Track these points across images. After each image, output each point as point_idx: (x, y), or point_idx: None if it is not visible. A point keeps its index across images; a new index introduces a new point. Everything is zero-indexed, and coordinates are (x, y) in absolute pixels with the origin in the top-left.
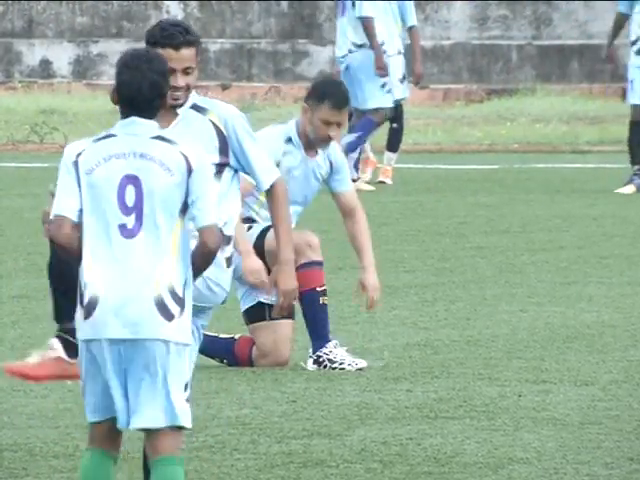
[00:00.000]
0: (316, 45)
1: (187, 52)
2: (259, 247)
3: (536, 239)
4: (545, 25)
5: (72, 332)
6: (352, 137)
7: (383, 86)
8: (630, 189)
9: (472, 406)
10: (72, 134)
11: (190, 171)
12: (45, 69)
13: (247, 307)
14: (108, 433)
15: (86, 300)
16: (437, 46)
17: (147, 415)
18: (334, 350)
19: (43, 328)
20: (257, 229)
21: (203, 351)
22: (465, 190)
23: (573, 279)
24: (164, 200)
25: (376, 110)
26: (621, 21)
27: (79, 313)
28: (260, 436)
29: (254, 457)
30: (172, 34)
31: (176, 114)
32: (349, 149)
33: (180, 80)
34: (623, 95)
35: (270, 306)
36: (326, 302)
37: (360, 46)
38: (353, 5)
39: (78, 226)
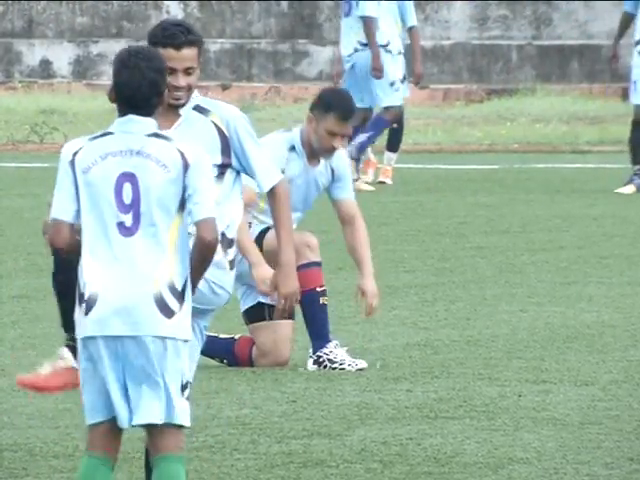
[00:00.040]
0: (316, 45)
1: (188, 52)
2: (258, 247)
3: (536, 239)
4: (545, 25)
5: None
6: (363, 137)
7: (392, 84)
8: (630, 189)
9: (472, 406)
10: (72, 134)
11: (186, 167)
12: (45, 69)
13: (247, 307)
14: (107, 435)
15: (85, 298)
16: (437, 46)
17: (146, 411)
18: (334, 350)
19: (43, 328)
20: (256, 229)
21: (203, 351)
22: (465, 190)
23: (573, 279)
24: (161, 197)
25: (387, 109)
26: (627, 21)
27: (78, 311)
28: (260, 436)
29: (254, 457)
30: (173, 34)
31: (178, 114)
32: (360, 149)
33: (181, 80)
34: (623, 95)
35: (270, 306)
36: (326, 302)
37: (366, 45)
38: (358, 5)
39: (76, 228)
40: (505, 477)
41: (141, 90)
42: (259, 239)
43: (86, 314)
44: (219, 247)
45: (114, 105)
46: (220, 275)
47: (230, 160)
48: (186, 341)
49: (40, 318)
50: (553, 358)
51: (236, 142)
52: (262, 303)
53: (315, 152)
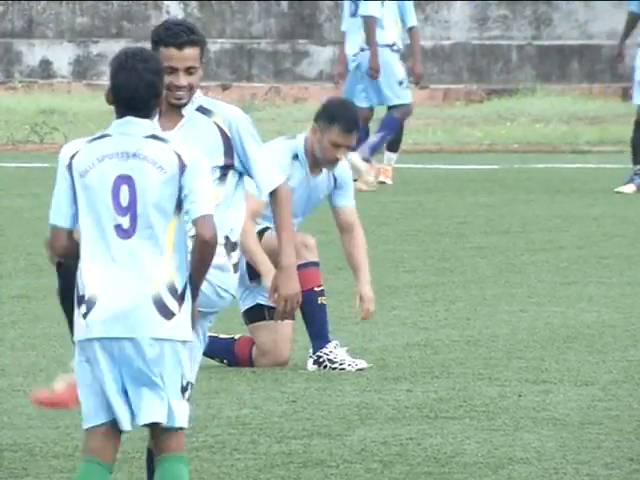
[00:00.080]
0: (316, 45)
1: (190, 52)
2: None
3: (536, 239)
4: (545, 25)
5: None
6: (376, 137)
7: (401, 83)
8: (630, 188)
9: (472, 406)
10: (72, 134)
11: (183, 168)
12: (45, 69)
13: (247, 308)
14: (103, 439)
15: (84, 301)
16: (437, 46)
17: (148, 411)
18: (334, 350)
19: (43, 328)
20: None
21: (203, 352)
22: (465, 190)
23: (573, 279)
24: (158, 199)
25: (397, 107)
26: (633, 20)
27: (77, 314)
28: (260, 436)
29: (254, 457)
30: (176, 33)
31: (181, 115)
32: (372, 149)
33: (182, 79)
34: (623, 95)
35: (270, 307)
36: (324, 302)
37: None
38: (359, 4)
39: (75, 233)
40: (505, 477)
41: (139, 92)
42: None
43: (84, 317)
44: (223, 250)
45: (110, 106)
46: (225, 278)
47: (232, 161)
48: (185, 342)
49: (40, 318)
50: (553, 358)
51: (238, 143)
52: (262, 304)
53: (318, 162)
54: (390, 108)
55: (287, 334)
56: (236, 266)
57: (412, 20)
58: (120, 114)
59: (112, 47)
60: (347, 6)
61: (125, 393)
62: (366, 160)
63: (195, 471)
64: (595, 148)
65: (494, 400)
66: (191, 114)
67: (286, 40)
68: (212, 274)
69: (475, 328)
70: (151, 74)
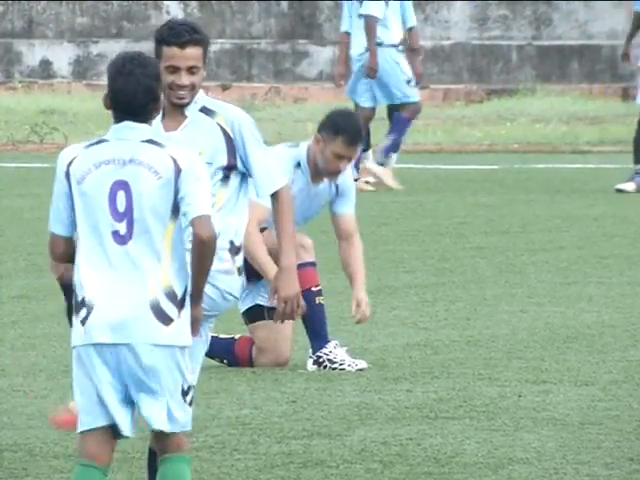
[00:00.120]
0: (316, 45)
1: (193, 51)
2: None
3: (536, 239)
4: (545, 25)
5: None
6: (389, 140)
7: (409, 82)
8: (630, 186)
9: (472, 406)
10: (72, 134)
11: (179, 172)
12: (45, 69)
13: (246, 308)
14: (100, 443)
15: (81, 307)
16: (437, 46)
17: (150, 419)
18: (334, 350)
19: (43, 328)
20: None
21: None
22: (465, 190)
23: (573, 279)
24: (154, 204)
25: (405, 106)
26: (639, 20)
27: (75, 320)
28: (260, 436)
29: (254, 457)
30: (178, 32)
31: (184, 115)
32: (386, 152)
33: (184, 79)
34: (623, 95)
35: (269, 308)
36: (322, 302)
37: (378, 44)
38: (362, 4)
39: (74, 239)
40: (505, 477)
41: (137, 97)
42: None
43: (82, 322)
44: (228, 255)
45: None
46: (230, 282)
47: (235, 161)
48: (184, 347)
49: (40, 318)
50: (553, 358)
51: (240, 144)
52: (261, 305)
53: (320, 172)
54: (393, 109)
55: (287, 334)
56: (240, 269)
57: (412, 20)
58: (118, 119)
59: (112, 47)
60: (347, 7)
61: (125, 399)
62: (382, 164)
63: (195, 471)
64: (595, 148)
65: (494, 400)
66: (194, 115)
67: (286, 40)
68: (218, 279)
69: (475, 328)
70: (149, 79)
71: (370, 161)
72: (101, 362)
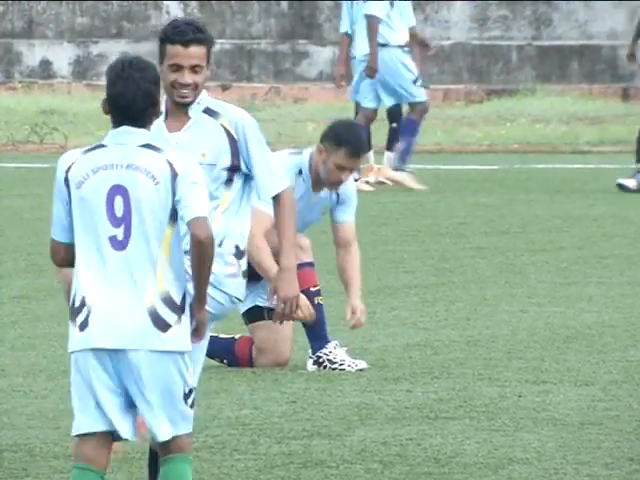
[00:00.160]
0: (316, 45)
1: (196, 50)
2: None
3: (536, 239)
4: (545, 25)
5: None
6: (402, 145)
7: (415, 82)
8: (631, 182)
9: (472, 406)
10: (72, 134)
11: (175, 176)
12: (45, 69)
13: (246, 308)
14: (98, 447)
15: (79, 313)
16: (437, 46)
17: (154, 431)
18: (334, 351)
19: (43, 328)
20: None
21: None
22: (465, 190)
23: (573, 279)
24: (152, 209)
25: (412, 107)
26: None
27: (72, 326)
28: (260, 437)
29: (254, 458)
30: (182, 31)
31: (188, 116)
32: (402, 157)
33: (187, 77)
34: (623, 95)
35: (269, 308)
36: (321, 302)
37: (384, 45)
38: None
39: (73, 246)
40: (505, 477)
41: (136, 101)
42: None
43: (80, 328)
44: (234, 260)
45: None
46: (237, 286)
47: (239, 163)
48: (183, 353)
49: (40, 318)
50: (553, 358)
51: (243, 145)
52: (261, 306)
53: (321, 181)
54: (392, 110)
55: (287, 334)
56: (245, 272)
57: (411, 20)
58: (117, 123)
59: (112, 47)
60: (346, 7)
61: (125, 403)
62: (399, 169)
63: (195, 471)
64: (595, 148)
65: (494, 400)
66: (198, 116)
67: (286, 40)
68: (226, 284)
69: (475, 328)
70: (148, 83)
71: (388, 171)
72: (100, 367)
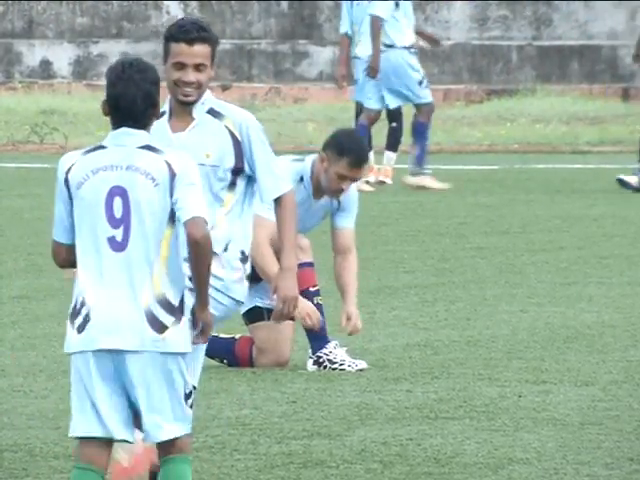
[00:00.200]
0: (316, 45)
1: (200, 48)
2: None
3: (536, 239)
4: (545, 25)
5: None
6: (417, 150)
7: (421, 83)
8: (633, 179)
9: (472, 406)
10: (72, 134)
11: (173, 177)
12: (45, 69)
13: (246, 309)
14: (99, 448)
15: (77, 313)
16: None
17: (152, 432)
18: (334, 351)
19: (43, 328)
20: None
21: None
22: (465, 190)
23: (573, 279)
24: (151, 210)
25: (419, 109)
26: None
27: (70, 327)
28: (260, 437)
29: (254, 458)
30: (187, 29)
31: (192, 116)
32: (419, 161)
33: (191, 75)
34: (623, 95)
35: (269, 309)
36: (320, 302)
37: (390, 46)
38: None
39: (75, 247)
40: (505, 477)
41: (136, 102)
42: None
43: (78, 329)
44: (240, 264)
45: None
46: (243, 290)
47: (242, 165)
48: (181, 354)
49: (40, 318)
50: (553, 358)
51: (247, 147)
52: (261, 307)
53: (321, 190)
54: (392, 111)
55: (288, 334)
56: (248, 276)
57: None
58: (117, 125)
59: (112, 47)
60: (345, 8)
61: (125, 404)
62: (418, 174)
63: (195, 471)
64: (595, 148)
65: (494, 400)
66: (202, 116)
67: (286, 40)
68: (233, 289)
69: (475, 328)
70: (149, 84)
71: (409, 178)
72: (98, 368)
